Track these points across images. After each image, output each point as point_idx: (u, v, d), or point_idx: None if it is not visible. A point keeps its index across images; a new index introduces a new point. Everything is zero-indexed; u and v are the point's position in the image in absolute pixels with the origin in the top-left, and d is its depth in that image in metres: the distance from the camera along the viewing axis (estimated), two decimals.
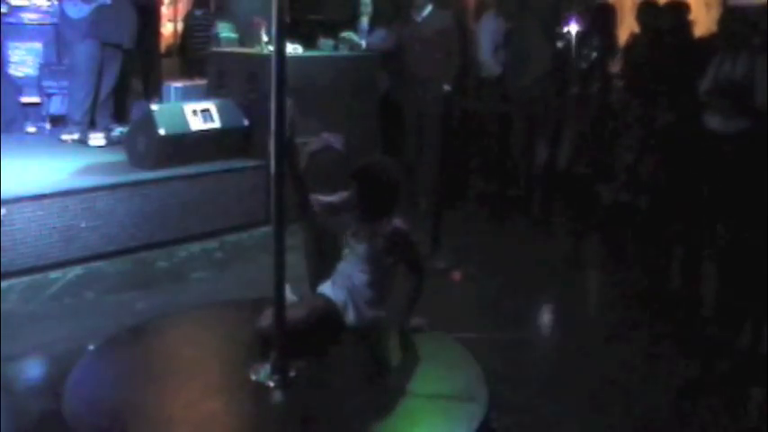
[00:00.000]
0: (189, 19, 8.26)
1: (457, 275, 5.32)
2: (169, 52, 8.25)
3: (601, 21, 6.82)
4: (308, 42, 6.78)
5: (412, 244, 3.69)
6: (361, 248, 3.62)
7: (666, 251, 5.68)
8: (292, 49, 6.16)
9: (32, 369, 3.96)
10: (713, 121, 5.43)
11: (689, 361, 4.08)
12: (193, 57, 7.82)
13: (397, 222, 3.62)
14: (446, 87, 5.94)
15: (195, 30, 8.02)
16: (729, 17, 5.62)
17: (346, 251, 3.69)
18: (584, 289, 5.44)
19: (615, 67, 6.97)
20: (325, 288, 3.70)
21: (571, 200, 6.78)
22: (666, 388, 3.77)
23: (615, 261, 5.84)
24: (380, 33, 7.31)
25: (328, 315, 3.72)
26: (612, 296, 5.22)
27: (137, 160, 5.75)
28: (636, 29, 6.56)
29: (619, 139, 6.52)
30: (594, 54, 6.77)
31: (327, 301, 3.74)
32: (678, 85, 5.75)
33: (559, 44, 6.79)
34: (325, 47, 6.86)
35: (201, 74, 7.05)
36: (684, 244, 5.59)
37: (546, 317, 4.68)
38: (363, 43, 6.99)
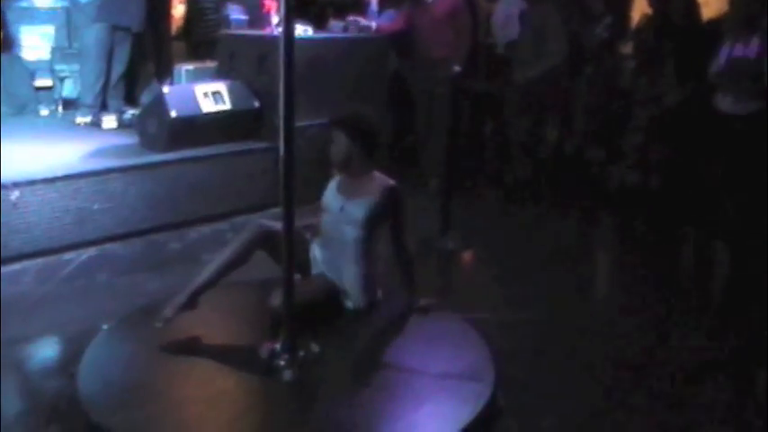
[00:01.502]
0: (197, 1, 8.25)
1: (467, 256, 5.35)
2: (179, 35, 8.25)
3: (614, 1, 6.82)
4: (319, 24, 6.78)
5: (402, 208, 3.81)
6: (356, 209, 3.71)
7: (677, 232, 5.68)
8: (302, 30, 6.17)
9: (47, 349, 4.02)
10: (724, 103, 5.43)
11: (698, 343, 4.09)
12: (201, 39, 7.82)
13: (391, 181, 3.75)
14: (456, 68, 5.93)
15: (203, 12, 8.02)
16: None
17: (327, 228, 3.81)
18: (593, 270, 5.45)
19: (626, 48, 6.95)
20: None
21: (581, 181, 6.78)
22: (676, 369, 3.78)
23: (625, 242, 5.85)
24: (389, 14, 7.31)
25: (331, 294, 3.79)
26: (622, 277, 5.24)
27: (148, 142, 5.77)
28: (647, 10, 6.53)
29: (629, 121, 6.51)
30: (605, 35, 6.75)
31: (327, 280, 3.81)
32: (688, 66, 5.73)
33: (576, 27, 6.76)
34: (336, 28, 6.87)
35: (209, 56, 7.06)
36: (695, 225, 5.59)
37: (555, 298, 4.69)
38: (373, 24, 6.98)
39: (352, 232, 3.75)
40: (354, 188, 3.78)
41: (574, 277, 5.05)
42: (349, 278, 3.82)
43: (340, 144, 3.79)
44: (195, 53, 7.73)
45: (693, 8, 6.14)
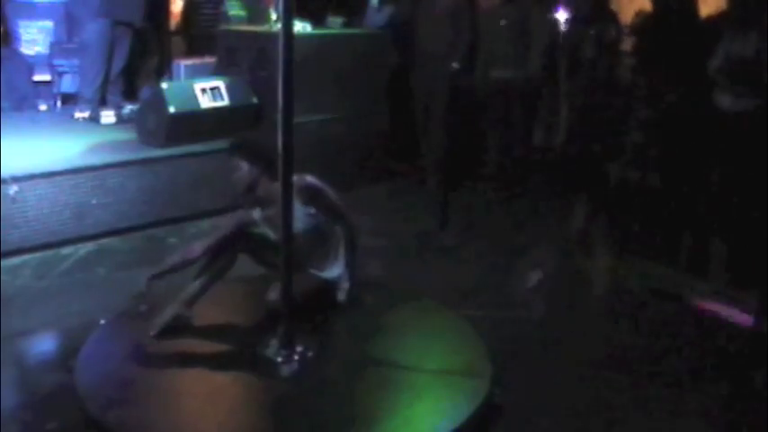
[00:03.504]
0: None
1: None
2: (178, 30, 8.25)
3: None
4: (318, 20, 6.79)
5: (326, 194, 3.86)
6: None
7: (675, 230, 5.68)
8: (301, 27, 6.17)
9: (45, 343, 4.02)
10: (723, 100, 5.42)
11: (696, 345, 4.10)
12: (198, 34, 7.82)
13: (307, 178, 3.77)
14: (455, 65, 5.94)
15: (202, 7, 8.02)
16: None
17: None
18: (591, 268, 5.45)
19: (625, 45, 6.95)
20: None
21: (580, 178, 6.78)
22: (674, 370, 3.79)
23: (623, 240, 5.84)
24: (379, 12, 7.32)
25: (325, 289, 3.82)
26: (620, 276, 5.24)
27: (147, 138, 5.79)
28: (645, 7, 6.53)
29: (629, 118, 6.51)
30: (592, 32, 6.73)
31: (319, 277, 3.82)
32: (687, 63, 5.73)
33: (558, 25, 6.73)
34: (334, 24, 6.87)
35: (205, 51, 7.06)
36: (694, 223, 5.59)
37: (552, 295, 4.69)
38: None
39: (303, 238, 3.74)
40: (273, 209, 3.69)
41: (572, 275, 5.05)
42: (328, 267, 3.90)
43: (243, 171, 3.77)
44: (191, 48, 7.72)
45: (691, 5, 6.13)
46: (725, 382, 3.66)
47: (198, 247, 3.68)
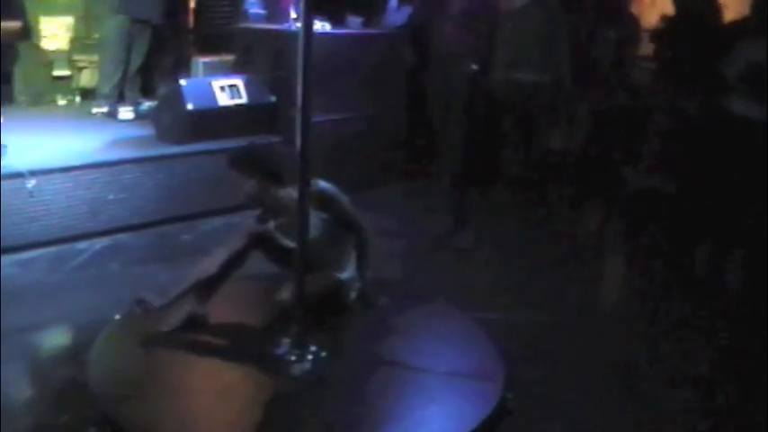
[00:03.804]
0: None
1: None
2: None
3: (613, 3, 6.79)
4: (336, 19, 6.78)
5: (338, 199, 3.82)
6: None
7: (693, 237, 5.65)
8: (320, 26, 6.17)
9: (58, 337, 4.03)
10: (743, 107, 5.38)
11: (711, 349, 4.07)
12: (211, 32, 7.81)
13: (321, 183, 3.74)
14: (473, 66, 5.91)
15: (214, 5, 8.00)
16: (762, 1, 5.54)
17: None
18: (606, 272, 5.43)
19: (646, 49, 6.91)
20: None
21: (597, 183, 6.75)
22: (688, 375, 3.76)
23: (639, 246, 5.81)
24: (398, 11, 7.31)
25: (336, 289, 3.80)
26: (635, 281, 5.21)
27: (164, 134, 5.80)
28: (669, 11, 6.48)
29: (648, 124, 6.47)
30: (613, 36, 6.70)
31: (331, 275, 3.80)
32: (708, 69, 5.69)
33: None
34: (353, 24, 6.86)
35: (220, 49, 7.07)
36: (711, 231, 5.55)
37: (567, 299, 4.67)
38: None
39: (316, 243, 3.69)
40: (285, 217, 3.72)
41: (586, 279, 5.02)
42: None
43: (246, 183, 3.77)
44: (204, 45, 7.71)
45: (714, 10, 6.08)
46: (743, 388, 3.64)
47: (211, 267, 3.62)
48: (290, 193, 3.59)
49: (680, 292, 4.80)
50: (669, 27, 6.40)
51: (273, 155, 3.89)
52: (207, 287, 3.64)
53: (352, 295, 3.90)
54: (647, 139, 6.49)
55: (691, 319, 4.41)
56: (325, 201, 3.75)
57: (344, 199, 3.86)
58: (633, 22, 7.02)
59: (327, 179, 3.92)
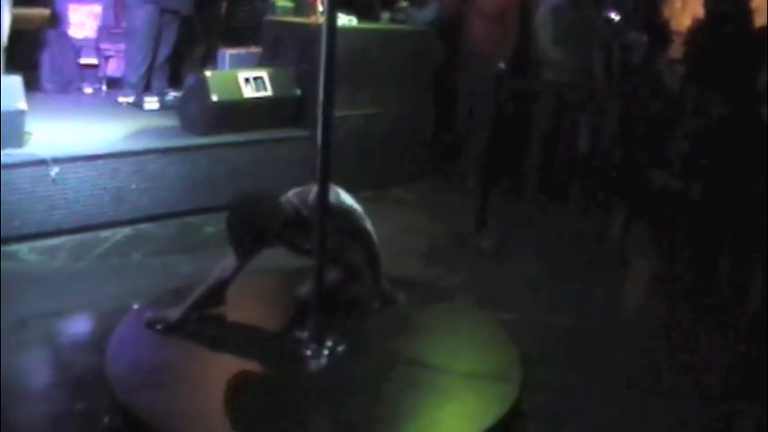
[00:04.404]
0: None
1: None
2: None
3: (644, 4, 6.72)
4: (367, 14, 6.76)
5: (345, 213, 3.62)
6: None
7: (717, 242, 5.58)
8: (347, 20, 6.15)
9: (78, 325, 4.05)
10: None
11: (732, 353, 4.01)
12: (240, 24, 7.81)
13: (333, 196, 3.53)
14: (501, 65, 5.88)
15: None
16: None
17: None
18: (628, 275, 5.38)
19: (676, 52, 6.84)
20: None
21: (622, 185, 6.70)
22: (707, 379, 3.71)
23: (662, 249, 5.76)
24: (425, 8, 7.28)
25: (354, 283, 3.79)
26: (657, 284, 5.17)
27: (189, 125, 5.81)
28: (701, 14, 6.41)
29: (675, 127, 6.40)
30: (643, 38, 6.64)
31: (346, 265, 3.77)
32: (738, 74, 5.62)
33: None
34: (383, 19, 6.86)
35: (248, 41, 7.08)
36: (736, 236, 5.49)
37: (588, 302, 4.63)
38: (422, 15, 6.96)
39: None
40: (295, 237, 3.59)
41: (608, 282, 4.98)
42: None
43: None
44: (232, 37, 7.72)
45: (747, 15, 6.01)
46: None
47: (227, 271, 3.54)
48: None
49: (703, 297, 4.75)
50: (699, 30, 6.33)
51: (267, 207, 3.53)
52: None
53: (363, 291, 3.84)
54: (675, 143, 6.42)
55: (713, 323, 4.36)
56: (332, 215, 3.50)
57: (353, 209, 3.69)
58: (664, 25, 6.96)
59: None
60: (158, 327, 3.50)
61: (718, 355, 4.02)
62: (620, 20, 6.54)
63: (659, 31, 6.83)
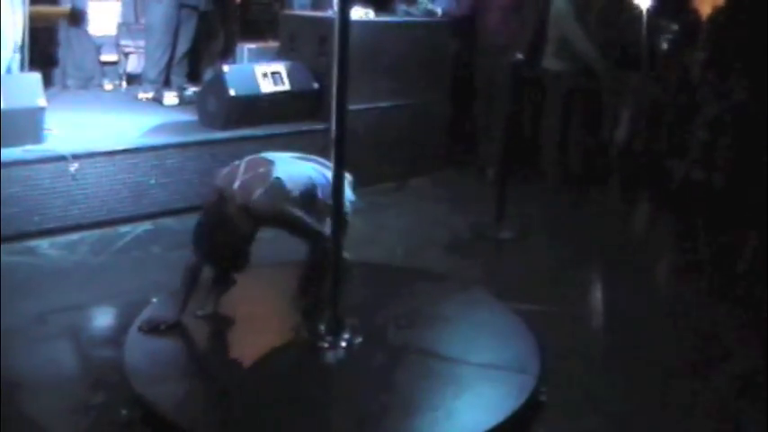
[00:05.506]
0: None
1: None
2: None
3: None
4: (383, 7, 6.75)
5: (283, 214, 3.41)
6: None
7: (738, 233, 5.52)
8: (364, 13, 6.14)
9: (98, 318, 4.08)
10: None
11: (753, 347, 3.97)
12: (258, 18, 7.82)
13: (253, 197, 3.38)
14: (518, 56, 5.85)
15: None
16: None
17: None
18: (649, 267, 5.33)
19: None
20: None
21: (642, 175, 6.65)
22: (728, 373, 3.68)
23: (684, 240, 5.71)
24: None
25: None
26: (678, 276, 5.12)
27: (207, 120, 5.83)
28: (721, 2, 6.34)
29: (696, 116, 6.34)
30: (675, 27, 6.58)
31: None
32: (758, 62, 5.55)
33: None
34: (399, 12, 6.84)
35: (266, 36, 7.09)
36: (756, 227, 5.42)
37: (608, 293, 4.60)
38: (439, 10, 6.92)
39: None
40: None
41: (628, 273, 4.94)
42: None
43: None
44: (250, 31, 7.73)
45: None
46: None
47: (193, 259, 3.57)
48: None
49: (723, 290, 4.70)
50: (722, 18, 6.26)
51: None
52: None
53: None
54: (697, 132, 6.35)
55: (733, 317, 4.32)
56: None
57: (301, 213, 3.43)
58: (694, 13, 6.87)
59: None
60: (161, 328, 3.49)
61: (742, 348, 3.97)
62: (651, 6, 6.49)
63: (688, 19, 6.76)
